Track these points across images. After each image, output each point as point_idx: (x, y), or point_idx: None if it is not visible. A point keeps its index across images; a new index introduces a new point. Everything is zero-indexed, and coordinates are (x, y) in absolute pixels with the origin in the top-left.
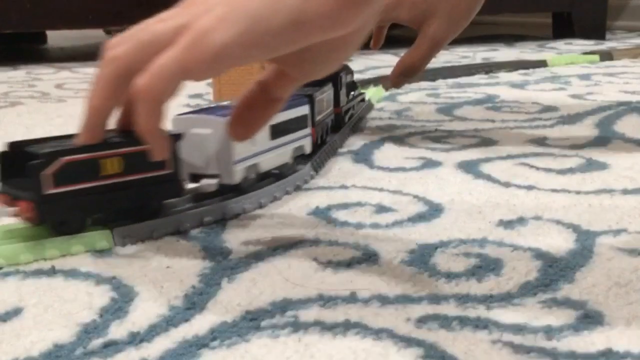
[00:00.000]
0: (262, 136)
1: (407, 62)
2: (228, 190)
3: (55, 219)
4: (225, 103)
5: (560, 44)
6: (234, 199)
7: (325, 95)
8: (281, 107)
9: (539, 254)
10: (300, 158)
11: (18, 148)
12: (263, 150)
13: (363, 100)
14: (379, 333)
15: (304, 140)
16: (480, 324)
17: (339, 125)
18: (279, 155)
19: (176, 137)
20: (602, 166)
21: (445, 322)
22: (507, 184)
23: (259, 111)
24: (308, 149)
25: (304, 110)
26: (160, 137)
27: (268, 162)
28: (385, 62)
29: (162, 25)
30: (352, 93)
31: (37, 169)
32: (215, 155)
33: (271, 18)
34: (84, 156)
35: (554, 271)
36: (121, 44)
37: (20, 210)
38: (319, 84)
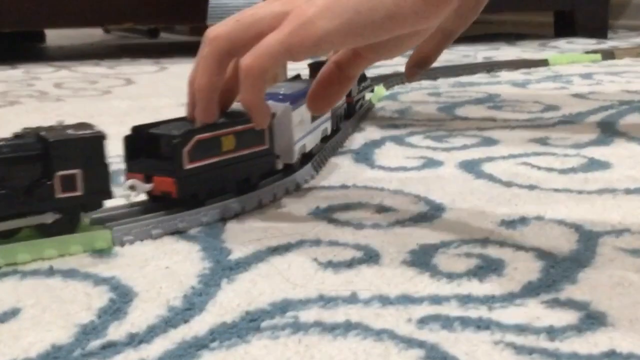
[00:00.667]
0: (307, 119)
1: (421, 54)
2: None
3: (190, 193)
4: (280, 88)
5: (562, 43)
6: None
7: None
8: (353, 85)
9: (541, 255)
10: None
11: (140, 131)
12: (308, 132)
13: (372, 90)
14: (379, 334)
15: (327, 123)
16: (482, 325)
17: (350, 113)
18: (315, 136)
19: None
20: (604, 166)
21: (446, 322)
22: (508, 184)
23: (334, 87)
24: (329, 131)
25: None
26: (263, 108)
27: (310, 142)
28: (385, 61)
29: (263, 10)
30: (362, 84)
31: (178, 146)
32: (278, 138)
33: (370, 13)
34: (210, 134)
35: (557, 272)
36: (222, 26)
37: (158, 185)
38: None
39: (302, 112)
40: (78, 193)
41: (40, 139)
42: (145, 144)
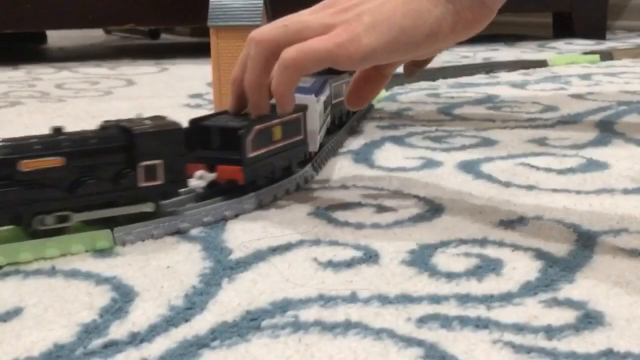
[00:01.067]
0: (322, 111)
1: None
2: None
3: (252, 179)
4: (307, 82)
5: (561, 44)
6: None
7: (344, 82)
8: (387, 83)
9: (539, 254)
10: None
11: (197, 124)
12: (322, 123)
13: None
14: (379, 333)
15: (329, 117)
16: (481, 324)
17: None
18: (326, 127)
19: (303, 109)
20: (602, 166)
21: (445, 321)
22: (507, 184)
23: (371, 85)
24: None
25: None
26: (291, 99)
27: (322, 132)
28: None
29: (311, 19)
30: None
31: (243, 136)
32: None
33: (413, 32)
34: (265, 125)
35: (555, 271)
36: (270, 29)
37: (223, 174)
38: (338, 72)
39: (321, 105)
40: (158, 182)
41: (125, 130)
42: (205, 137)
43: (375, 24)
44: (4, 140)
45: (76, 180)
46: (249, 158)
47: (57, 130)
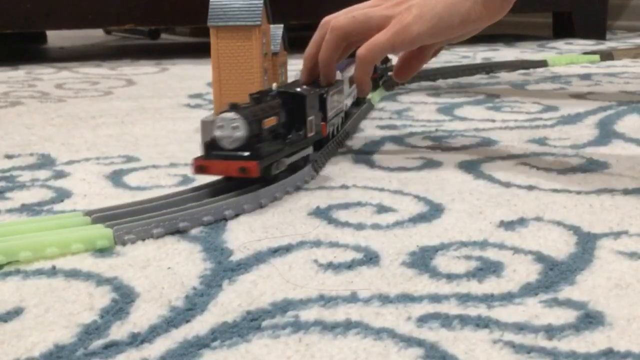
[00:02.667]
0: (346, 85)
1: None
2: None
3: (328, 133)
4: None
5: (561, 44)
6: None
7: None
8: (427, 60)
9: (540, 257)
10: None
11: (284, 92)
12: (347, 94)
13: (391, 69)
14: (379, 333)
15: (354, 92)
16: (481, 323)
17: (376, 86)
18: (352, 98)
19: (341, 81)
20: (602, 166)
21: (446, 321)
22: (507, 184)
23: (414, 61)
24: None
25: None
26: (368, 84)
27: (349, 102)
28: None
29: (373, 11)
30: (387, 64)
31: (326, 99)
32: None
33: (450, 19)
34: (335, 91)
35: (555, 274)
36: (342, 19)
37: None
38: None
39: (346, 79)
40: (313, 133)
41: (297, 94)
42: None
43: (422, 14)
44: (234, 105)
45: (283, 133)
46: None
47: (234, 106)
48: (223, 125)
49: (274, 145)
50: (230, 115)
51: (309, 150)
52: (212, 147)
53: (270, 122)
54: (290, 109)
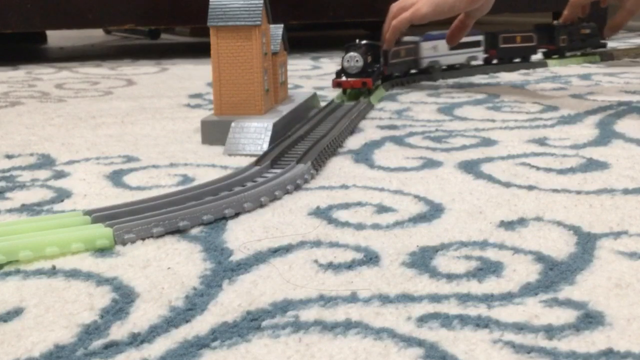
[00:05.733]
0: (443, 47)
1: (614, 23)
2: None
3: (390, 72)
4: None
5: None
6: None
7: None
8: (467, 31)
9: (539, 257)
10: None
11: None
12: (441, 55)
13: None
14: (379, 332)
15: (476, 53)
16: (481, 323)
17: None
18: (453, 58)
19: (416, 42)
20: (602, 166)
21: (446, 321)
22: (507, 184)
23: (459, 31)
24: (480, 59)
25: (478, 38)
26: (391, 44)
27: (445, 60)
28: None
29: (405, 1)
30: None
31: (386, 52)
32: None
33: (443, 5)
34: (397, 48)
35: (555, 274)
36: (396, 4)
37: (384, 71)
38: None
39: (435, 44)
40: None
41: (376, 45)
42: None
43: (428, 2)
44: (351, 47)
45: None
46: (390, 65)
47: (353, 48)
48: (349, 60)
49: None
50: (354, 54)
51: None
52: (341, 73)
53: (369, 59)
54: (375, 54)
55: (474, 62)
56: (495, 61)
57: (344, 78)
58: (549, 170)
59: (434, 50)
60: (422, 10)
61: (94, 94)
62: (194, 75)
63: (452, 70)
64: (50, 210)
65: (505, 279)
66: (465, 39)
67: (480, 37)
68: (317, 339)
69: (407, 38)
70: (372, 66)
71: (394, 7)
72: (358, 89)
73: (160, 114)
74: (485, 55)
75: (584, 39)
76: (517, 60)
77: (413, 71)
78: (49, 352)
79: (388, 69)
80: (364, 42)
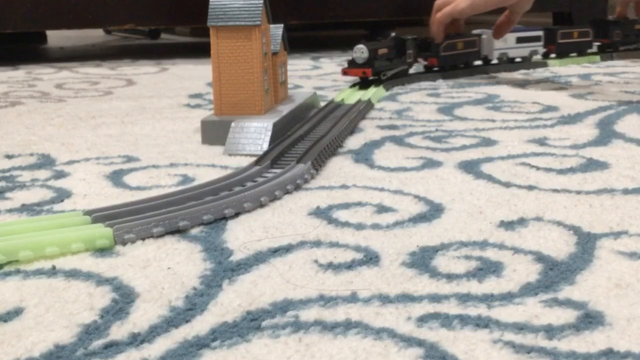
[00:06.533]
0: (511, 40)
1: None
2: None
3: (442, 64)
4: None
5: None
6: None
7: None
8: (512, 26)
9: (540, 257)
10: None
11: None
12: (509, 47)
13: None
14: (379, 332)
15: (537, 47)
16: (481, 323)
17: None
18: (519, 51)
19: (479, 35)
20: (602, 166)
21: (446, 321)
22: (507, 184)
23: (504, 25)
24: (539, 53)
25: (538, 33)
26: (439, 35)
27: (512, 53)
28: None
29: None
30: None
31: (438, 46)
32: (486, 46)
33: (488, 0)
34: (455, 41)
35: (555, 274)
36: (438, 1)
37: (431, 62)
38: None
39: (507, 38)
40: (410, 60)
41: (401, 38)
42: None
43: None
44: (364, 41)
45: (394, 57)
46: (442, 56)
47: (364, 41)
48: (356, 51)
49: (384, 63)
50: (361, 46)
51: (406, 67)
52: (351, 63)
53: (382, 51)
54: (400, 46)
55: (535, 56)
56: (553, 55)
57: (352, 67)
58: (549, 170)
59: (504, 42)
60: (461, 6)
61: (94, 94)
62: (194, 75)
63: (516, 63)
64: (50, 210)
65: (505, 279)
66: (528, 34)
67: (540, 33)
68: (317, 339)
69: (476, 31)
70: (386, 60)
71: (437, 2)
72: (367, 79)
73: (160, 114)
74: (545, 50)
75: (638, 34)
76: (573, 54)
77: (477, 63)
78: (49, 352)
79: (441, 60)
80: (392, 34)
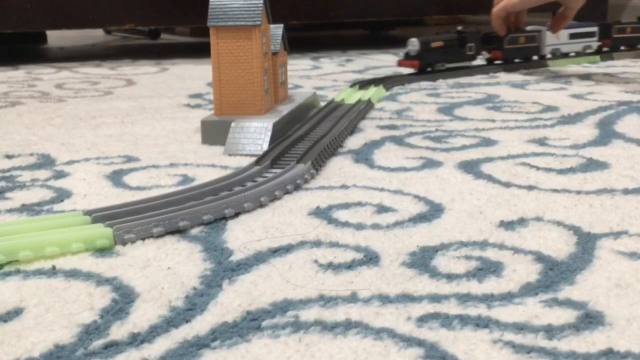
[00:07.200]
0: (564, 36)
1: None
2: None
3: (506, 57)
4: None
5: None
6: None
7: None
8: (568, 22)
9: (540, 257)
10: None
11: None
12: (562, 43)
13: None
14: (379, 332)
15: (590, 42)
16: (481, 323)
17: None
18: (571, 46)
19: (538, 31)
20: (602, 166)
21: (446, 321)
22: (507, 184)
23: (560, 21)
24: (593, 48)
25: (593, 29)
26: (501, 29)
27: (565, 48)
28: (385, 62)
29: None
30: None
31: (502, 39)
32: (542, 41)
33: None
34: (517, 35)
35: (555, 274)
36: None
37: (495, 54)
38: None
39: (559, 34)
40: (472, 52)
41: (461, 32)
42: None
43: None
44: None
45: (453, 51)
46: (505, 49)
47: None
48: (409, 44)
49: (438, 56)
50: (413, 39)
51: (467, 60)
52: (406, 55)
53: (436, 44)
54: (460, 40)
55: (588, 50)
56: (606, 49)
57: (405, 59)
58: (549, 170)
59: (557, 38)
60: (514, 0)
61: (94, 94)
62: (194, 75)
63: (568, 57)
64: (50, 210)
65: (505, 279)
66: (582, 30)
67: (594, 29)
68: (317, 339)
69: (530, 28)
70: (442, 53)
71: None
72: (422, 69)
73: (160, 114)
74: (599, 44)
75: None
76: (623, 48)
77: (535, 57)
78: (49, 352)
79: (504, 53)
80: (458, 28)
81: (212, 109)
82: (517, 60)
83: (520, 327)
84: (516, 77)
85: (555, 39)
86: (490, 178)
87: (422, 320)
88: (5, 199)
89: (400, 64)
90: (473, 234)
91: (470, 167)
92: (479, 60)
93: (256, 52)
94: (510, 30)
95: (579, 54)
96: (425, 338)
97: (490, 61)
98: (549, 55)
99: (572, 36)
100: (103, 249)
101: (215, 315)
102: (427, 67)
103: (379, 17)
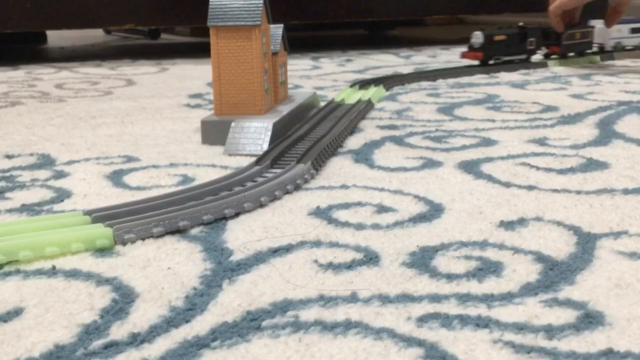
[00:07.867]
0: (624, 30)
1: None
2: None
3: (563, 51)
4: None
5: None
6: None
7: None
8: (621, 17)
9: (540, 257)
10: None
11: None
12: (623, 37)
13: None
14: (379, 332)
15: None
16: (481, 323)
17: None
18: (632, 40)
19: (591, 27)
20: (602, 166)
21: (446, 321)
22: (507, 184)
23: (613, 16)
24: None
25: None
26: (559, 26)
27: (626, 42)
28: (385, 62)
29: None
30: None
31: (560, 35)
32: (602, 36)
33: None
34: (570, 32)
35: (555, 274)
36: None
37: (551, 50)
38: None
39: (620, 28)
40: (532, 47)
41: (522, 27)
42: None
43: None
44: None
45: (514, 45)
46: (564, 45)
47: (481, 30)
48: (474, 36)
49: (500, 49)
50: (478, 32)
51: (526, 54)
52: (469, 48)
53: (500, 37)
54: (521, 35)
55: None
56: None
57: (470, 51)
58: (549, 170)
59: (619, 32)
60: (566, 1)
61: (94, 94)
62: (194, 75)
63: (629, 51)
64: (50, 210)
65: (505, 279)
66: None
67: None
68: (317, 339)
69: (593, 22)
70: (504, 46)
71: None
72: (484, 61)
73: (160, 114)
74: None
75: None
76: None
77: (588, 51)
78: (49, 352)
79: (562, 48)
80: (520, 23)
81: (212, 109)
82: (571, 54)
83: (520, 327)
84: (516, 77)
85: (618, 33)
86: (490, 178)
87: (422, 320)
88: (5, 199)
89: (464, 55)
90: (473, 234)
91: (470, 167)
92: (538, 55)
93: (256, 52)
94: (567, 26)
95: (637, 47)
96: (425, 338)
97: (547, 56)
98: (609, 48)
99: (633, 30)
100: (103, 249)
101: (215, 315)
102: (489, 59)
103: (379, 17)
